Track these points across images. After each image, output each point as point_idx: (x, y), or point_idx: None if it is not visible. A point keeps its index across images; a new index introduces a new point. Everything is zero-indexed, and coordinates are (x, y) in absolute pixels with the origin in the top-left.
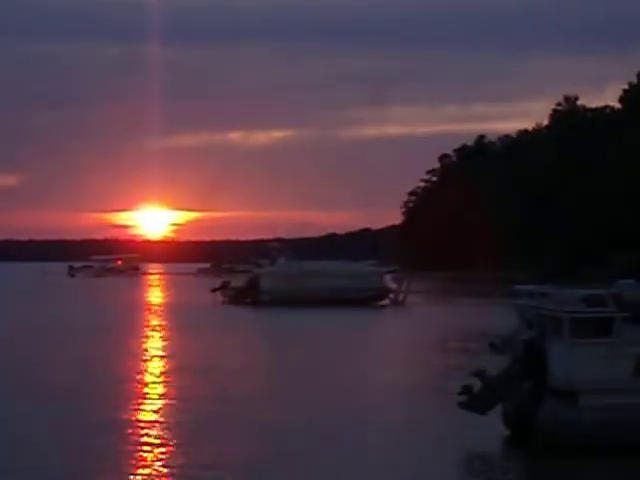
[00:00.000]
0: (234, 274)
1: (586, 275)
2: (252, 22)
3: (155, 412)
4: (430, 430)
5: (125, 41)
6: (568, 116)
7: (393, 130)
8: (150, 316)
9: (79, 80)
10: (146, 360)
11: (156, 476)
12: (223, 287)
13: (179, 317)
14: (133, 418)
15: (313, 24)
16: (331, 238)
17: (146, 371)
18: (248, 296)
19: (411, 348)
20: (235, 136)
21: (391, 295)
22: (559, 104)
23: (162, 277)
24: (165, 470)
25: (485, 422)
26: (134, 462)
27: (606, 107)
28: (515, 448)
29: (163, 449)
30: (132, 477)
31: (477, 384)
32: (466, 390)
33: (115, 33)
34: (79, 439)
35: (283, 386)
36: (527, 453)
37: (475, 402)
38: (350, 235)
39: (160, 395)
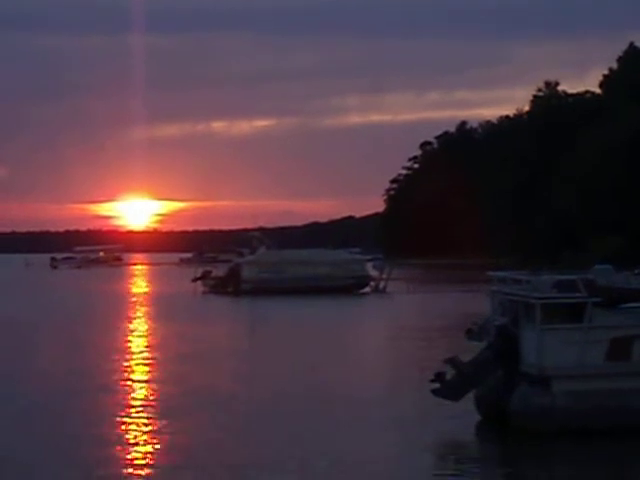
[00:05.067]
0: (216, 263)
1: (568, 260)
2: (235, 10)
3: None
4: (403, 416)
5: (107, 31)
6: (547, 101)
7: (375, 118)
8: (128, 307)
9: (62, 71)
10: (126, 351)
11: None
12: (204, 277)
13: (157, 307)
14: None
15: (296, 12)
16: (314, 227)
17: (126, 362)
18: (229, 285)
19: (386, 335)
20: (218, 126)
21: (372, 283)
22: (539, 90)
23: (144, 267)
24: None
25: (458, 408)
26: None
27: (587, 92)
28: (488, 434)
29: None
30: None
31: (450, 371)
32: (439, 377)
33: (97, 23)
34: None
35: (260, 373)
36: (500, 439)
37: (448, 389)
38: (333, 223)
39: (138, 381)
